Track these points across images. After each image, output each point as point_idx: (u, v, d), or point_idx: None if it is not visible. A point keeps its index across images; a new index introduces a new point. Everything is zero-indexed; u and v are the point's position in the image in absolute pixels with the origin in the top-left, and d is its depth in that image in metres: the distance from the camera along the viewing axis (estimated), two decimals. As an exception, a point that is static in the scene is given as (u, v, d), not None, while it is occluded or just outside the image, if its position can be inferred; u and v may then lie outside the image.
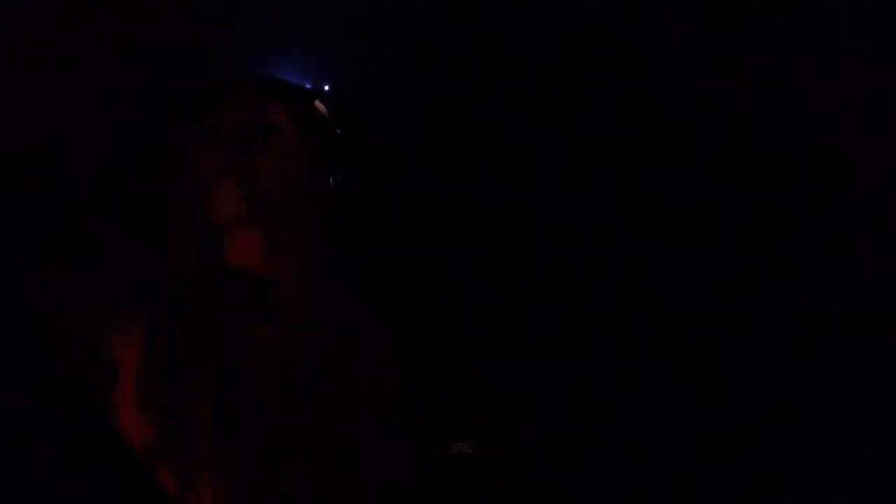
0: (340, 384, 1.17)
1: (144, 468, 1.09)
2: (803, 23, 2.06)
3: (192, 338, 1.13)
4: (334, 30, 2.11)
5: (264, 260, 1.20)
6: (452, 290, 2.46)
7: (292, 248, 1.19)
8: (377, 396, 1.23)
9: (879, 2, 1.97)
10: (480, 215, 2.47)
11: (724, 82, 2.24)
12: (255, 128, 1.19)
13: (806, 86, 2.16)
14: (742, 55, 2.19)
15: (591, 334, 2.43)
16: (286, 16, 2.02)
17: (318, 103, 1.28)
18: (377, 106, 2.27)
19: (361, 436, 1.18)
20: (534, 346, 2.45)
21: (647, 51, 2.26)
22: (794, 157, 2.25)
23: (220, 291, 1.16)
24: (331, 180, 1.27)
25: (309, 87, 1.31)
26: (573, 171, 2.46)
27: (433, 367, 2.33)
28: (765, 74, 2.20)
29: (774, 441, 2.21)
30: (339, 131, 1.30)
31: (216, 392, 1.11)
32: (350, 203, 1.31)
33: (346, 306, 1.25)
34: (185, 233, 1.18)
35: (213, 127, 1.19)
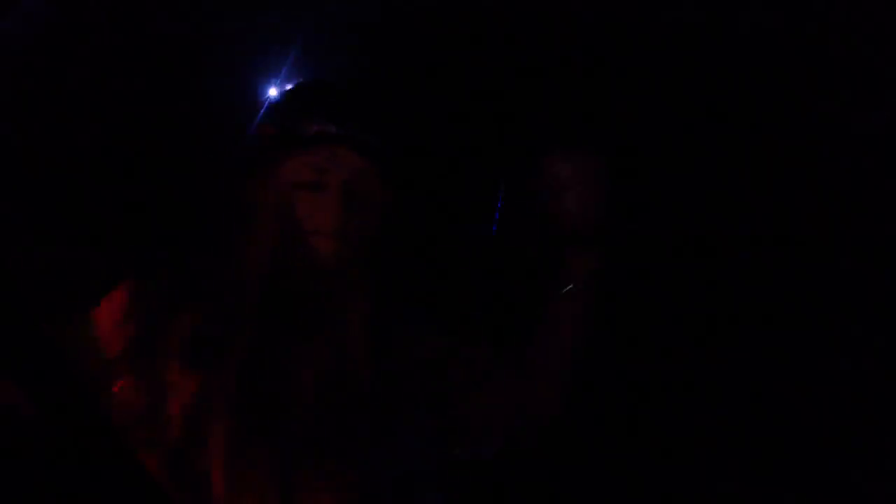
0: (386, 398, 1.18)
1: (154, 471, 1.09)
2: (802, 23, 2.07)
3: (257, 346, 1.13)
4: (337, 27, 2.11)
5: (336, 271, 1.20)
6: (460, 294, 2.45)
7: (360, 261, 1.20)
8: (415, 410, 1.24)
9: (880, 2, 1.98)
10: (486, 215, 2.47)
11: (723, 82, 2.25)
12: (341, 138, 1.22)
13: (806, 86, 2.17)
14: (742, 55, 2.19)
15: (591, 334, 2.42)
16: (292, 13, 2.02)
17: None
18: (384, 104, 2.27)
19: (392, 445, 1.19)
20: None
21: (646, 51, 2.27)
22: (794, 158, 2.26)
23: (291, 299, 1.17)
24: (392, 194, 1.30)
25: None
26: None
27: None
28: (764, 74, 2.21)
29: (775, 441, 2.22)
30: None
31: (272, 398, 1.11)
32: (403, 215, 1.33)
33: (398, 321, 1.26)
34: (264, 239, 1.18)
35: (296, 136, 1.20)
